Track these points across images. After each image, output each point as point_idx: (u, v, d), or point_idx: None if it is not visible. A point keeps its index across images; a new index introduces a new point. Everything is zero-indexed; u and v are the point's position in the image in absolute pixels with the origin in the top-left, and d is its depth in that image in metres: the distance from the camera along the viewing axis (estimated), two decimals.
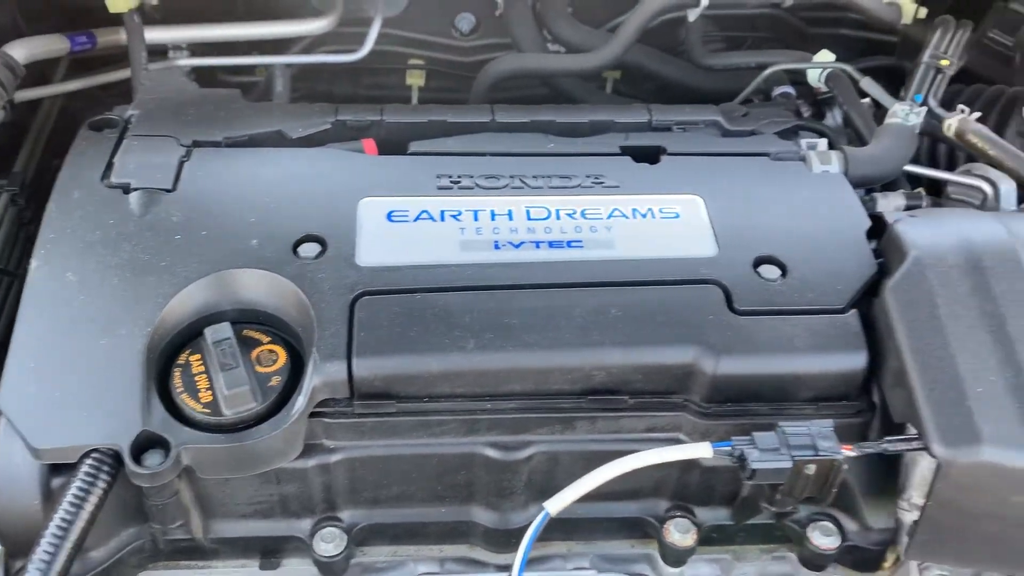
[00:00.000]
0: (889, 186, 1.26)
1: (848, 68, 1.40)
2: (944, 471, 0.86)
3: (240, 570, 1.01)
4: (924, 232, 1.00)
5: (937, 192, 1.28)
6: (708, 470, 0.98)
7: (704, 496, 1.01)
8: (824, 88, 1.45)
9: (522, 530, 0.99)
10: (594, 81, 1.83)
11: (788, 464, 0.86)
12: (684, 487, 1.00)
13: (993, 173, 1.22)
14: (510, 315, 0.95)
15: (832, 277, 1.00)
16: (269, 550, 1.01)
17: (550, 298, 0.96)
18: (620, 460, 0.88)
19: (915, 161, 1.39)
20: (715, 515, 1.02)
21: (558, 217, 1.04)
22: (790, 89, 1.48)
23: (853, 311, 0.97)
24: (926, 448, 0.87)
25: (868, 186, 1.18)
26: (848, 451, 0.89)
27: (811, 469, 0.87)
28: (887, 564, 1.04)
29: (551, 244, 1.02)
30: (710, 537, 1.03)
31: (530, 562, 1.05)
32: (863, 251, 1.02)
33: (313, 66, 1.75)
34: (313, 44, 1.74)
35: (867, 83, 1.36)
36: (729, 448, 0.88)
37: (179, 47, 1.63)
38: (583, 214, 1.05)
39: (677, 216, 1.06)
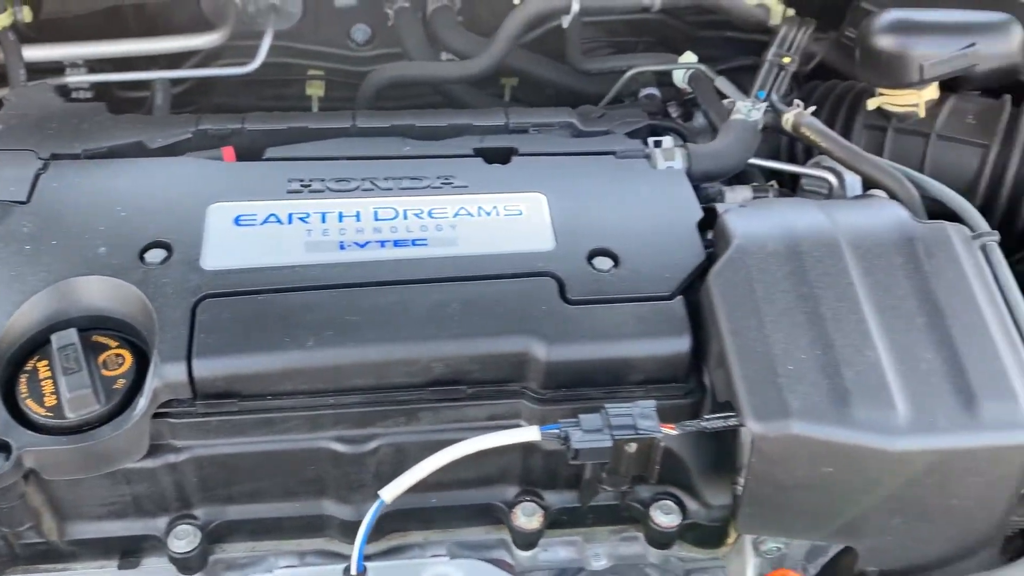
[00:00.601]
0: (742, 180, 1.32)
1: (704, 68, 1.46)
2: (758, 445, 0.91)
3: (99, 571, 1.03)
4: (748, 222, 1.06)
5: (795, 186, 1.34)
6: (550, 454, 1.02)
7: (550, 480, 1.05)
8: (689, 89, 1.52)
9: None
10: (491, 88, 1.88)
11: (608, 443, 0.91)
12: (530, 472, 1.04)
13: (839, 165, 1.29)
14: (351, 312, 0.98)
15: (661, 267, 1.05)
16: (127, 550, 1.03)
17: (391, 295, 1.00)
18: (452, 447, 0.92)
19: (776, 156, 1.46)
20: (563, 498, 1.06)
21: (405, 217, 1.08)
22: (655, 91, 1.55)
23: (679, 298, 1.02)
24: (741, 424, 0.92)
25: (713, 180, 1.24)
26: (669, 429, 0.94)
27: (632, 448, 0.92)
28: (730, 540, 1.09)
29: (396, 243, 1.05)
30: (560, 520, 1.07)
31: (388, 552, 1.10)
32: (693, 242, 1.07)
33: (212, 79, 1.78)
34: (210, 58, 1.77)
35: (721, 82, 1.42)
36: (556, 431, 0.93)
37: (76, 64, 1.65)
38: (430, 214, 1.09)
39: (520, 213, 1.10)
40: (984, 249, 1.05)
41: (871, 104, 1.36)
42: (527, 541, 1.05)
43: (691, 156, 1.21)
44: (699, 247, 1.06)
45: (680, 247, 1.07)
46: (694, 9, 1.71)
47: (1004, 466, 0.93)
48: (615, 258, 1.05)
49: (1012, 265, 1.28)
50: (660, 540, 1.06)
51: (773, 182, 1.33)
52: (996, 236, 1.06)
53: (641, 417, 0.93)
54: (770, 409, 0.91)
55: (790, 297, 0.99)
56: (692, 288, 1.04)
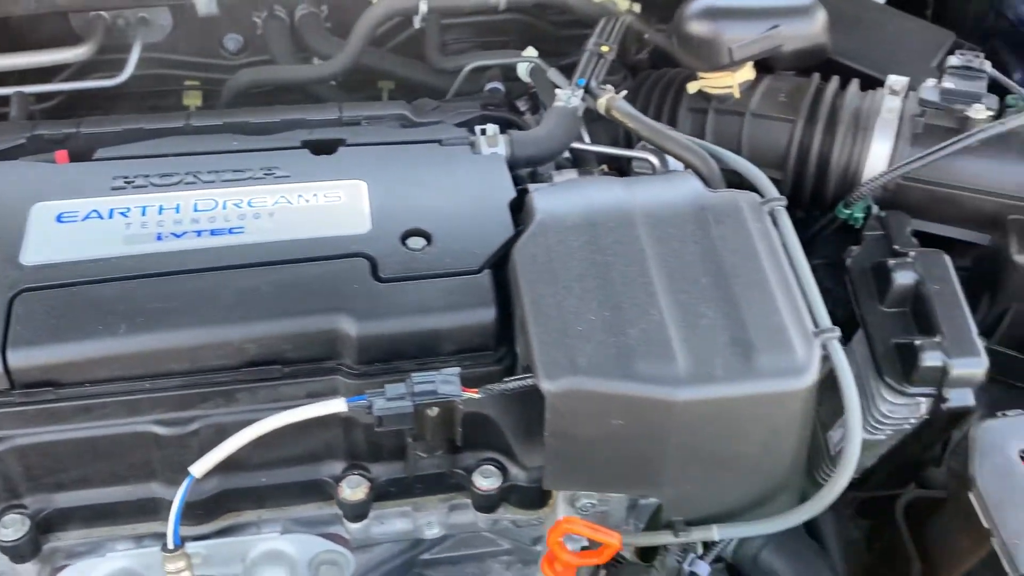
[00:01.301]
0: (580, 164, 1.39)
1: (539, 62, 1.53)
2: (551, 402, 0.97)
3: None
4: (551, 199, 1.13)
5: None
6: (370, 426, 1.06)
7: (374, 453, 1.09)
8: (531, 81, 1.58)
9: (207, 502, 1.07)
10: (368, 91, 1.93)
11: (409, 408, 0.96)
12: (354, 446, 1.08)
13: None
14: (164, 299, 1.02)
15: (471, 244, 1.10)
16: None
17: (204, 281, 1.04)
18: (260, 422, 0.96)
19: (615, 142, 1.53)
20: (389, 470, 1.10)
21: (224, 207, 1.12)
22: (499, 85, 1.61)
23: (487, 272, 1.07)
24: (536, 384, 0.98)
25: (538, 164, 1.30)
26: (472, 393, 0.99)
27: (435, 412, 0.97)
28: (553, 501, 1.15)
29: (213, 232, 1.09)
30: (389, 492, 1.12)
31: (223, 532, 1.14)
32: (503, 220, 1.13)
33: (87, 93, 1.80)
34: (84, 71, 1.79)
35: (553, 74, 1.49)
36: (362, 401, 0.98)
37: None
38: (249, 203, 1.13)
39: (339, 200, 1.15)
40: (772, 214, 1.13)
41: (691, 88, 1.44)
42: (355, 513, 1.09)
43: (514, 142, 1.27)
44: (508, 225, 1.12)
45: (490, 225, 1.12)
46: (556, 9, 1.78)
47: (783, 412, 1.00)
48: (428, 237, 1.10)
49: (821, 228, 1.38)
50: (484, 504, 1.11)
51: (604, 166, 1.40)
52: (783, 201, 1.14)
53: (443, 383, 0.98)
54: (559, 367, 0.96)
55: (584, 265, 1.05)
56: (501, 262, 1.10)
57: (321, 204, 1.14)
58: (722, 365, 0.98)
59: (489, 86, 1.59)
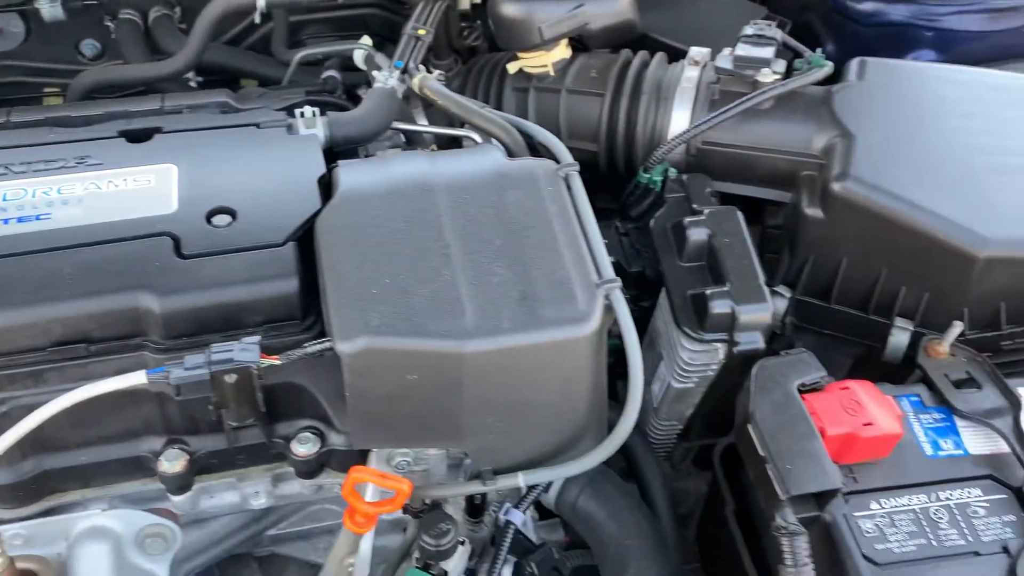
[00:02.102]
0: (413, 144, 1.44)
1: (370, 49, 1.58)
2: (347, 362, 1.02)
3: None
4: (355, 173, 1.18)
5: None
6: (184, 401, 1.09)
7: (191, 426, 1.12)
8: (366, 68, 1.63)
9: (27, 483, 1.10)
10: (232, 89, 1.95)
11: (206, 375, 0.99)
12: (171, 421, 1.12)
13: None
14: None
15: (277, 219, 1.14)
16: None
17: (8, 266, 1.06)
18: (58, 399, 0.99)
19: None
20: (208, 442, 1.14)
21: (33, 195, 1.14)
22: (335, 73, 1.65)
23: (291, 244, 1.12)
24: (333, 346, 1.02)
25: (358, 143, 1.35)
26: (272, 360, 1.03)
27: (233, 379, 1.01)
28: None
29: (20, 219, 1.11)
30: (211, 464, 1.15)
31: (47, 512, 1.16)
32: (311, 195, 1.17)
33: None
34: None
35: (380, 59, 1.54)
36: (163, 372, 1.01)
37: None
38: (58, 190, 1.15)
39: (149, 183, 1.18)
40: (566, 179, 1.20)
41: (511, 68, 1.51)
42: (177, 485, 1.12)
43: (332, 123, 1.31)
44: (315, 199, 1.16)
45: (297, 200, 1.16)
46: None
47: (570, 359, 1.07)
48: (233, 214, 1.14)
49: (629, 193, 1.45)
50: (305, 470, 1.15)
51: (434, 146, 1.46)
52: (576, 167, 1.20)
53: (241, 351, 1.02)
54: (353, 328, 1.01)
55: (383, 232, 1.10)
56: (308, 235, 1.14)
57: (130, 188, 1.17)
58: (509, 318, 1.04)
59: (325, 74, 1.63)
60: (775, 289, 1.39)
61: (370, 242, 1.09)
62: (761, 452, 1.06)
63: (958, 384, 1.22)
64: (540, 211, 1.14)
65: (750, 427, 1.09)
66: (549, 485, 1.23)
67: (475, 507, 1.25)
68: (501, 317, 1.04)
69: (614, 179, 1.51)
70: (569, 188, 1.19)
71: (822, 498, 1.06)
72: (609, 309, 1.08)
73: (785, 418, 1.09)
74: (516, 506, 1.18)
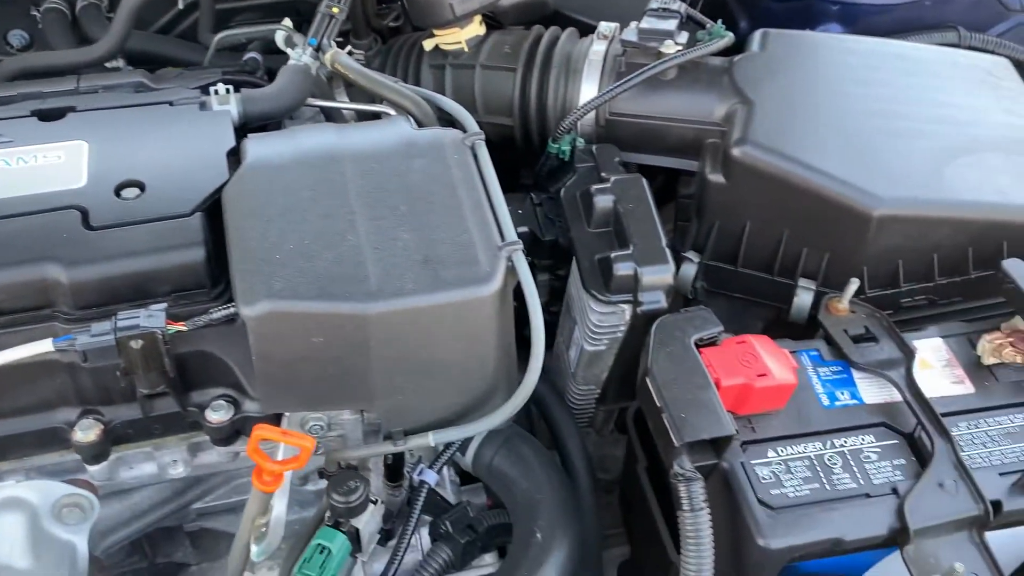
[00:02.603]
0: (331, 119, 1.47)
1: (289, 29, 1.60)
2: (252, 326, 1.04)
3: None
4: (264, 143, 1.21)
5: None
6: (96, 371, 1.11)
7: (105, 396, 1.14)
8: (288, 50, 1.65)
9: None
10: None
11: (112, 341, 1.01)
12: (84, 391, 1.13)
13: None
14: None
15: (185, 190, 1.16)
16: None
17: None
18: None
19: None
20: (123, 412, 1.15)
21: None
22: (256, 55, 1.67)
23: (198, 214, 1.14)
24: (238, 311, 1.05)
25: (271, 119, 1.37)
26: (178, 326, 1.06)
27: (139, 344, 1.03)
28: None
29: None
30: (127, 434, 1.17)
31: None
32: (219, 167, 1.19)
33: None
34: None
35: (299, 39, 1.56)
36: (69, 340, 1.03)
37: None
38: None
39: (59, 159, 1.19)
40: (473, 147, 1.23)
41: (427, 46, 1.54)
42: (92, 455, 1.14)
43: (246, 100, 1.34)
44: (224, 171, 1.19)
45: (206, 173, 1.18)
46: None
47: (474, 319, 1.10)
48: (142, 187, 1.16)
49: (542, 165, 1.48)
50: (219, 437, 1.17)
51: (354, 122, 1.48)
52: (481, 136, 1.24)
53: (147, 317, 1.04)
54: (256, 292, 1.04)
55: (288, 200, 1.13)
56: (218, 207, 1.16)
57: (39, 164, 1.18)
58: (412, 280, 1.07)
59: (246, 56, 1.65)
60: (685, 255, 1.44)
61: (275, 210, 1.12)
62: (658, 403, 1.10)
63: (856, 339, 1.27)
64: (445, 178, 1.17)
65: (648, 380, 1.13)
66: (466, 447, 1.27)
67: (394, 471, 1.28)
68: (405, 279, 1.07)
69: (530, 153, 1.54)
70: (475, 156, 1.22)
71: (719, 446, 1.11)
72: (512, 271, 1.12)
73: (681, 370, 1.13)
74: (430, 466, 1.21)
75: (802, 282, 1.37)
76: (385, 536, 1.21)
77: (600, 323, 1.28)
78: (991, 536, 1.13)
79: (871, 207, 1.28)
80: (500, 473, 1.25)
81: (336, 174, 1.16)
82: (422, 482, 1.20)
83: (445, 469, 1.33)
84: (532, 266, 1.42)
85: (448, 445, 1.22)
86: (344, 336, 1.06)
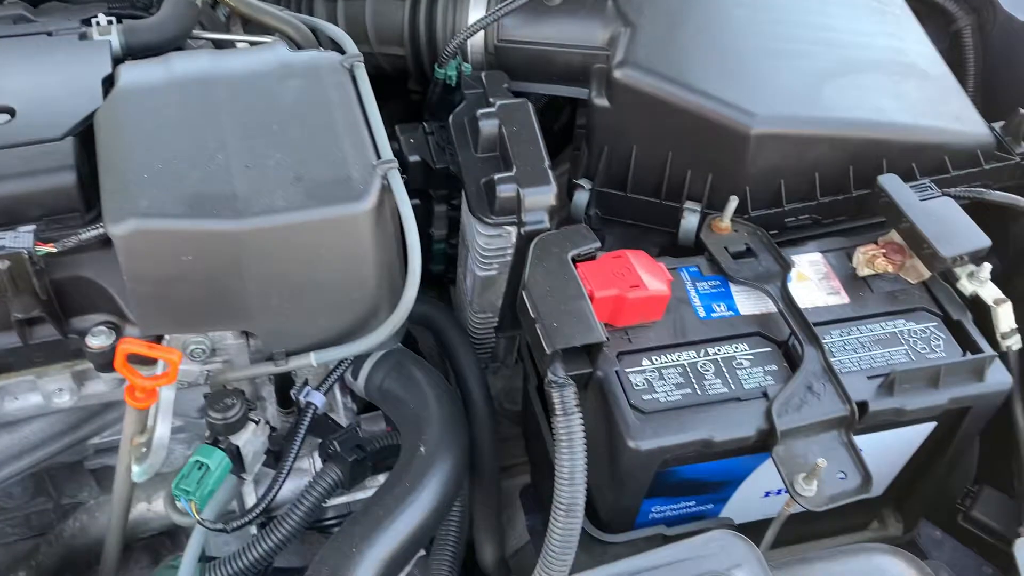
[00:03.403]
0: None
1: None
2: (120, 245, 1.04)
3: None
4: (138, 69, 1.20)
5: None
6: None
7: None
8: None
9: None
10: None
11: None
12: None
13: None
14: None
15: (58, 116, 1.15)
16: None
17: None
18: None
19: None
20: (3, 340, 1.14)
21: None
22: None
23: (70, 139, 1.13)
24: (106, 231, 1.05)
25: (156, 49, 1.35)
26: (48, 247, 1.05)
27: (5, 265, 1.03)
28: None
29: None
30: (8, 363, 1.17)
31: None
32: (93, 94, 1.18)
33: None
34: None
35: None
36: None
37: None
38: None
39: None
40: (351, 70, 1.23)
41: None
42: None
43: (128, 31, 1.32)
44: (98, 97, 1.18)
45: (80, 99, 1.17)
46: None
47: (349, 236, 1.11)
48: (12, 112, 1.15)
49: (432, 92, 1.49)
50: (101, 363, 1.16)
51: None
52: (360, 58, 1.24)
53: (15, 238, 1.04)
54: (123, 211, 1.04)
55: (158, 122, 1.13)
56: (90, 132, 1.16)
57: None
58: (283, 197, 1.08)
59: None
60: (577, 183, 1.45)
61: (144, 131, 1.11)
62: (532, 315, 1.12)
63: (736, 255, 1.30)
64: (320, 99, 1.18)
65: (523, 293, 1.15)
66: (358, 371, 1.28)
67: (284, 397, 1.30)
68: (275, 197, 1.07)
69: (425, 84, 1.55)
70: (354, 78, 1.22)
71: (593, 355, 1.13)
72: (388, 190, 1.13)
73: (556, 283, 1.15)
74: (317, 388, 1.23)
75: (688, 204, 1.40)
76: (275, 458, 1.22)
77: (487, 246, 1.30)
78: (867, 440, 1.18)
79: (748, 125, 1.30)
80: (390, 394, 1.27)
81: (208, 96, 1.16)
82: (308, 403, 1.21)
83: (339, 395, 1.35)
84: (427, 196, 1.45)
85: (336, 367, 1.23)
86: (214, 254, 1.06)
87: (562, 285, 1.15)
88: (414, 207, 1.45)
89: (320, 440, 1.25)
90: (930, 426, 1.25)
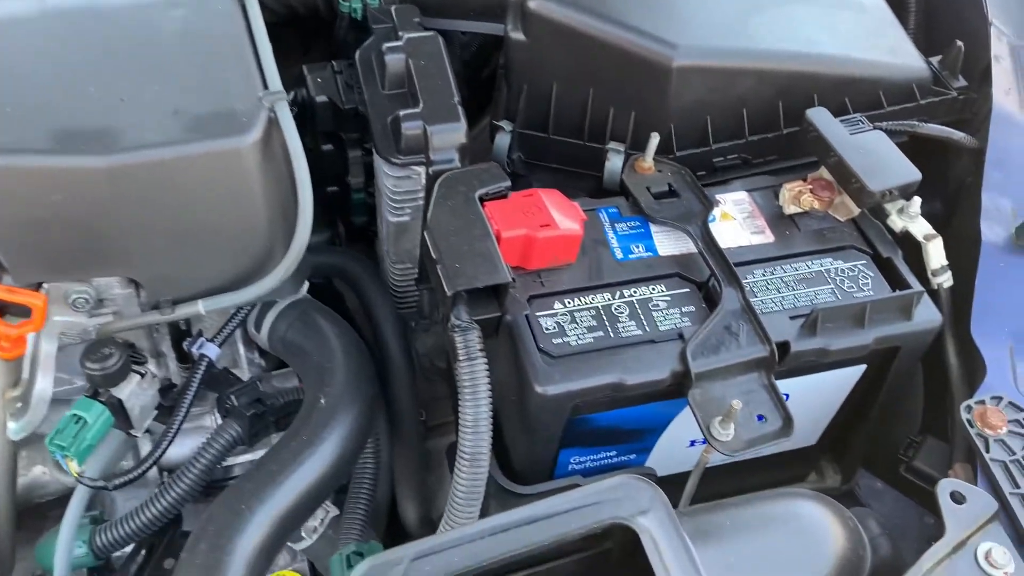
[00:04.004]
0: None
1: None
2: None
3: None
4: (10, 1, 1.12)
5: None
6: None
7: None
8: None
9: None
10: None
11: None
12: None
13: None
14: None
15: None
16: None
17: None
18: None
19: None
20: None
21: None
22: None
23: None
24: None
25: None
26: None
27: None
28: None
29: None
30: None
31: None
32: None
33: None
34: None
35: None
36: None
37: None
38: None
39: None
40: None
41: None
42: None
43: None
44: None
45: None
46: None
47: (232, 172, 1.04)
48: None
49: (339, 27, 1.41)
50: None
51: None
52: None
53: None
54: None
55: (28, 55, 1.06)
56: None
57: None
58: (159, 131, 1.01)
59: None
60: (498, 124, 1.38)
61: (10, 64, 1.04)
62: (433, 255, 1.06)
63: (658, 196, 1.24)
64: (205, 30, 1.10)
65: (425, 233, 1.09)
66: (261, 322, 1.22)
67: (182, 351, 1.23)
68: (150, 131, 1.00)
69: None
70: (244, 8, 1.15)
71: (500, 298, 1.07)
72: (277, 124, 1.06)
73: (461, 223, 1.09)
74: (212, 339, 1.16)
75: (611, 145, 1.33)
76: (169, 413, 1.16)
77: (396, 189, 1.23)
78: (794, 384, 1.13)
79: (670, 58, 1.24)
80: (293, 345, 1.20)
81: (84, 27, 1.08)
82: (202, 356, 1.15)
83: (243, 349, 1.29)
84: (339, 140, 1.38)
85: (233, 318, 1.17)
86: (85, 193, 0.99)
87: (467, 225, 1.08)
88: (327, 152, 1.41)
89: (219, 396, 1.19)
90: (860, 369, 1.19)
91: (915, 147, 1.31)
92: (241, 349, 1.27)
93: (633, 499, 0.91)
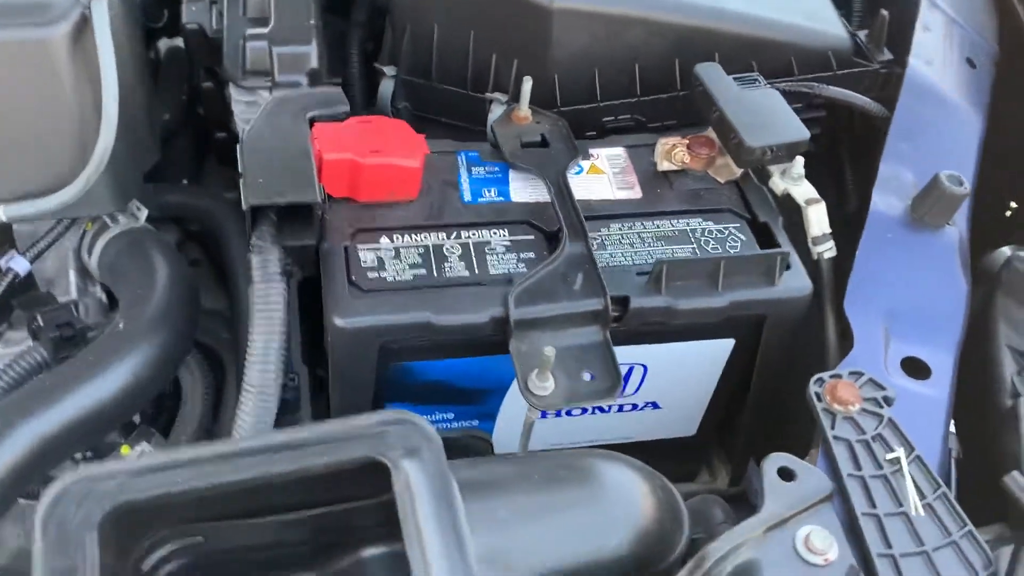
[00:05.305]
0: None
1: None
2: None
3: None
4: None
5: None
6: None
7: None
8: None
9: None
10: None
11: None
12: None
13: None
14: None
15: None
16: None
17: None
18: None
19: None
20: None
21: None
22: None
23: None
24: None
25: None
26: None
27: None
28: None
29: None
30: None
31: None
32: None
33: None
34: None
35: None
36: None
37: None
38: None
39: None
40: None
41: None
42: None
43: None
44: None
45: None
46: None
47: (35, 67, 0.97)
48: None
49: None
50: None
51: None
52: None
53: None
54: None
55: None
56: None
57: None
58: None
59: None
60: (380, 68, 1.31)
61: None
62: (240, 169, 0.98)
63: (527, 145, 1.15)
64: None
65: (238, 147, 1.01)
66: (93, 246, 1.14)
67: None
68: None
69: None
70: None
71: (314, 224, 0.99)
72: (87, 21, 0.99)
73: (281, 140, 1.01)
74: (23, 253, 1.09)
75: (496, 95, 1.24)
76: None
77: (244, 115, 1.15)
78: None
79: None
80: (118, 272, 1.13)
81: None
82: (9, 269, 1.07)
83: (73, 274, 1.21)
84: (213, 74, 1.31)
85: (48, 233, 1.09)
86: None
87: (285, 141, 1.00)
88: (207, 90, 1.34)
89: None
90: (728, 344, 1.09)
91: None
92: (72, 276, 1.19)
93: (404, 439, 0.81)
